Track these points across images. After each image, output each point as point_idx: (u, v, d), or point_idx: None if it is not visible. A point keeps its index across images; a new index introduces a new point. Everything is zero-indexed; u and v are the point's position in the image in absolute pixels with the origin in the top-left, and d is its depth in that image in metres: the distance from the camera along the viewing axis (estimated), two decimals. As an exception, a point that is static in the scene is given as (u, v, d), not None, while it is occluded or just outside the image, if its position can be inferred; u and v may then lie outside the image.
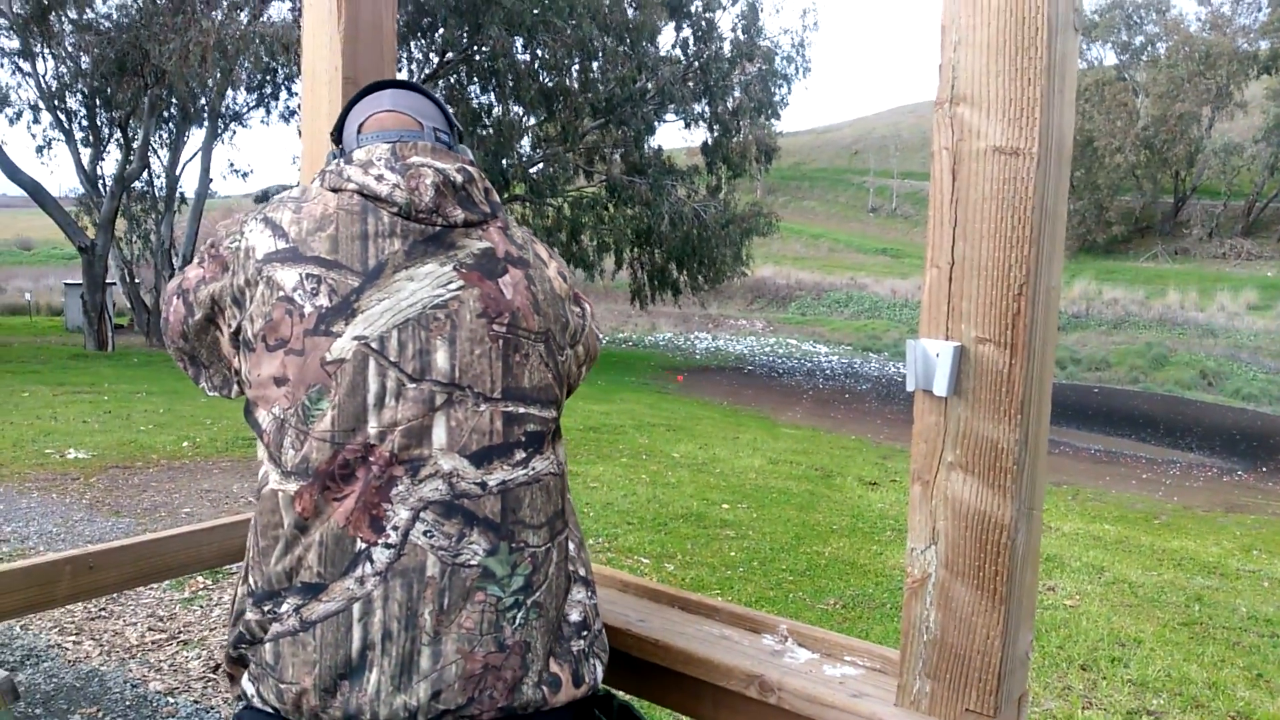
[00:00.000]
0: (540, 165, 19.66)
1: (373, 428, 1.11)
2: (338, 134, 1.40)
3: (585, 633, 1.23)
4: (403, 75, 19.07)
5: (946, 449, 1.23)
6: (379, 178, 1.21)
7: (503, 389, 1.18)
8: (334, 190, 1.22)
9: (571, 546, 1.26)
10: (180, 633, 3.66)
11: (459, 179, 1.24)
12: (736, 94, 19.75)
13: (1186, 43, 34.77)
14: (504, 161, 18.03)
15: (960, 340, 1.19)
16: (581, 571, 1.27)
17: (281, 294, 1.15)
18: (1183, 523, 8.32)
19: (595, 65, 18.46)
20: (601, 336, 1.47)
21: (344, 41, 1.85)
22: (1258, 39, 36.58)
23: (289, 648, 1.10)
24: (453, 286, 1.18)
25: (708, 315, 31.46)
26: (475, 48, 17.59)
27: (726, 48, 19.68)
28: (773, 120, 21.45)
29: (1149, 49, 38.06)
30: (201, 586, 4.17)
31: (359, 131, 1.33)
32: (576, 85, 18.65)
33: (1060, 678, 3.85)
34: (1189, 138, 33.51)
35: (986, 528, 1.20)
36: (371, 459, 1.11)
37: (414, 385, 1.13)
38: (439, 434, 1.13)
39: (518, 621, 1.13)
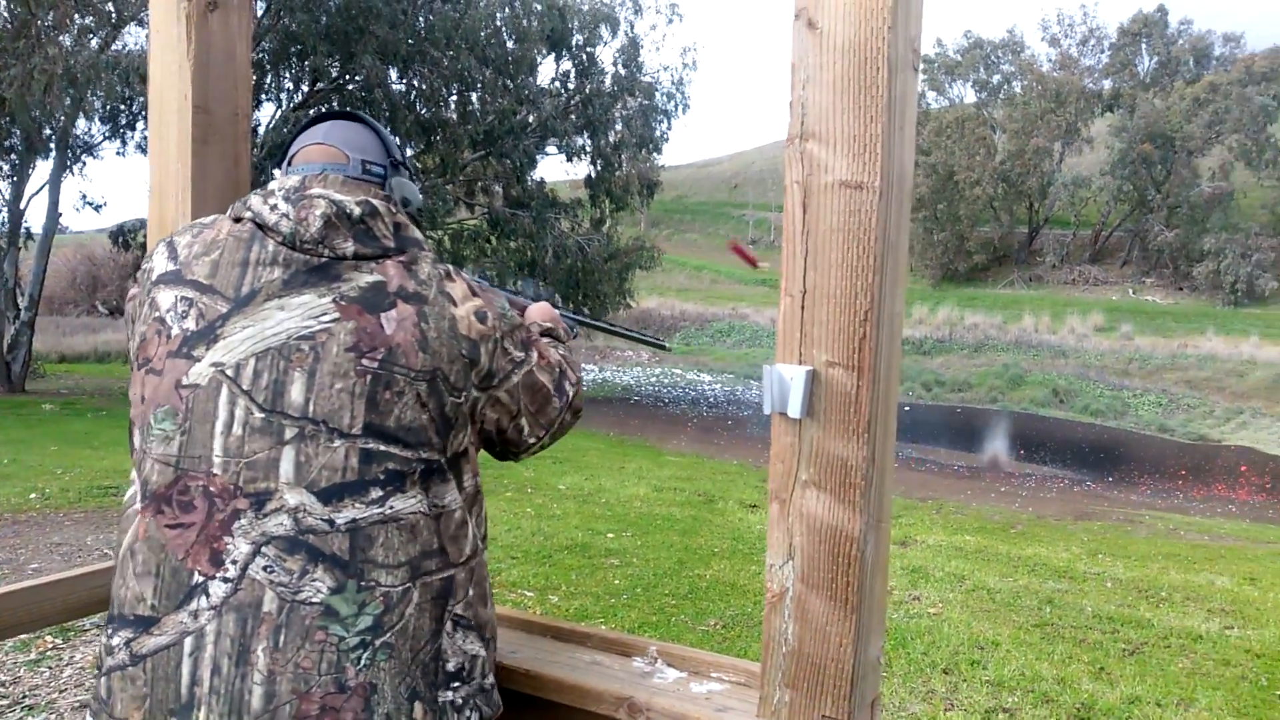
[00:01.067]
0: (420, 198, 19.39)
1: (217, 456, 1.10)
2: (280, 164, 1.41)
3: (461, 684, 1.19)
4: (268, 106, 18.60)
5: (801, 468, 1.28)
6: (273, 207, 1.20)
7: (364, 425, 1.12)
8: (235, 219, 1.22)
9: (459, 592, 1.20)
10: (25, 697, 3.43)
11: (356, 211, 1.21)
12: (618, 128, 20.00)
13: (1039, 81, 37.12)
14: (381, 193, 17.68)
15: (812, 364, 1.26)
16: (469, 618, 1.22)
17: (157, 314, 1.17)
18: (1037, 531, 8.78)
19: (474, 97, 18.41)
20: (567, 388, 1.42)
21: (194, 69, 1.81)
22: (1101, 79, 39.40)
23: (119, 682, 1.09)
24: (325, 318, 1.15)
25: (594, 347, 31.54)
26: (347, 77, 17.31)
27: (608, 82, 19.93)
28: (654, 154, 21.81)
29: (1005, 87, 40.46)
30: (50, 646, 3.92)
31: (288, 164, 1.34)
32: (455, 116, 18.54)
33: (924, 682, 4.01)
34: (1042, 171, 35.68)
35: (838, 541, 1.26)
36: (213, 489, 1.09)
37: (263, 416, 1.11)
38: (286, 468, 1.10)
39: (363, 662, 1.08)
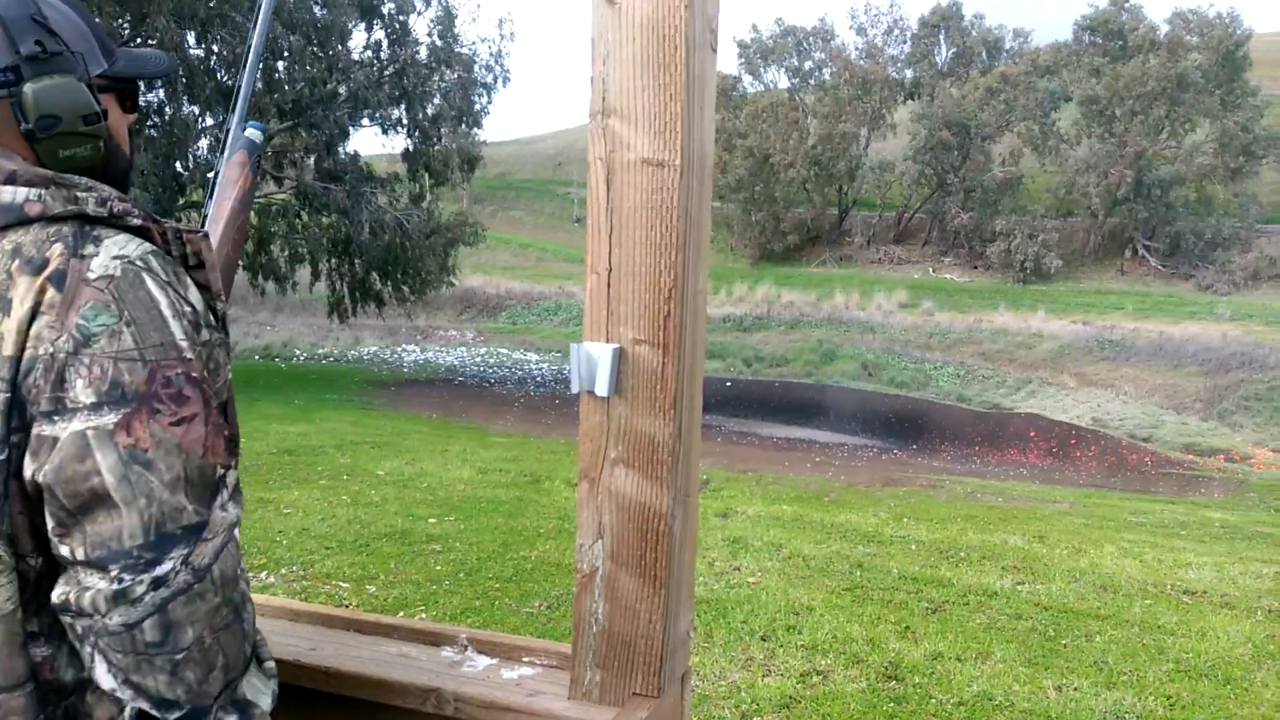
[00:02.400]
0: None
1: None
2: None
3: None
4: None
5: (610, 446, 1.28)
6: None
7: None
8: None
9: None
10: None
11: None
12: (436, 101, 19.49)
13: (847, 69, 38.87)
14: (178, 165, 16.59)
15: (619, 342, 1.25)
16: None
17: None
18: (848, 498, 9.26)
19: (281, 65, 17.48)
20: (155, 511, 0.90)
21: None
22: (904, 68, 41.72)
23: None
24: None
25: (416, 327, 30.76)
26: (140, 40, 16.05)
27: (424, 53, 19.37)
28: (475, 129, 21.41)
29: (816, 74, 42.17)
30: None
31: None
32: (261, 85, 17.55)
33: (744, 650, 4.15)
34: (850, 155, 37.45)
35: (647, 517, 1.27)
36: None
37: None
38: None
39: None
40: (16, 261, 0.91)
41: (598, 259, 1.26)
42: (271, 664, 1.06)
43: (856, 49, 41.78)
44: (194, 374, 0.94)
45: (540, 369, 25.64)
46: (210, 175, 1.42)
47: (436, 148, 19.95)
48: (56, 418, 0.88)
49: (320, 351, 27.51)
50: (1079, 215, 35.37)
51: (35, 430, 0.88)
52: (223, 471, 0.96)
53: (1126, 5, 35.97)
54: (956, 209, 36.24)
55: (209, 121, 17.97)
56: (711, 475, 10.24)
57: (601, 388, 1.25)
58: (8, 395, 0.88)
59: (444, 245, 20.51)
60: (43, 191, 0.94)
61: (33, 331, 0.89)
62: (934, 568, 5.86)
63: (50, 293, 0.90)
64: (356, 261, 19.85)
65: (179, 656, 0.89)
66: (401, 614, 4.49)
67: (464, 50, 20.11)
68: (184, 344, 0.94)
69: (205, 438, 0.93)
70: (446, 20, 19.51)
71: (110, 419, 0.88)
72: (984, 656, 4.22)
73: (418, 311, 26.25)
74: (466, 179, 22.18)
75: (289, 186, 19.51)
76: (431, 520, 6.51)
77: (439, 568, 5.34)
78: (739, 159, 37.20)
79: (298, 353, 27.07)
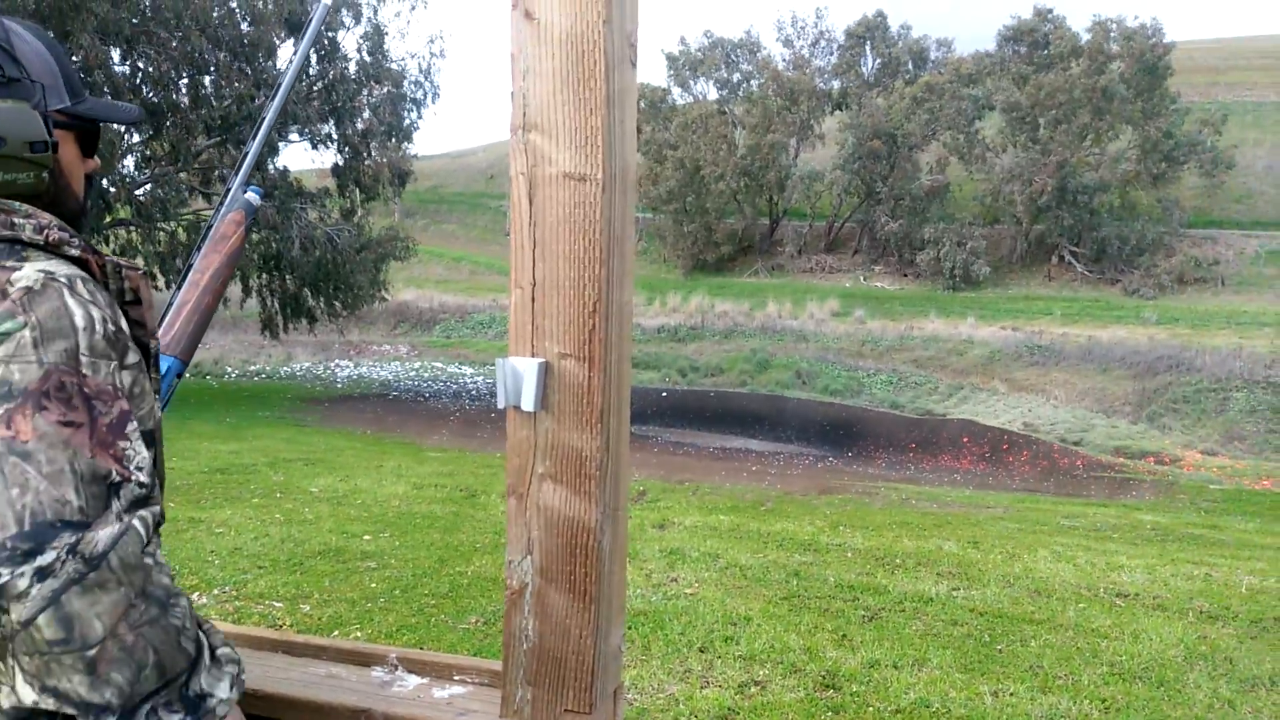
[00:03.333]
0: (148, 186, 17.85)
1: None
2: None
3: None
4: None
5: (537, 461, 1.27)
6: None
7: None
8: None
9: None
10: None
11: None
12: (366, 116, 19.28)
13: (775, 79, 39.40)
14: (104, 181, 16.15)
15: (545, 356, 1.25)
16: None
17: None
18: (785, 507, 9.35)
19: (208, 80, 17.13)
20: (31, 504, 0.86)
21: None
22: (831, 78, 42.45)
23: None
24: None
25: (349, 342, 30.31)
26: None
27: (352, 69, 19.16)
28: (405, 144, 21.22)
29: (745, 85, 42.69)
30: None
31: None
32: (187, 101, 17.18)
33: (681, 662, 4.15)
34: (779, 165, 37.93)
35: (576, 532, 1.27)
36: None
37: None
38: None
39: None
40: None
41: (522, 273, 1.26)
42: (227, 650, 1.01)
43: (784, 60, 42.44)
44: (88, 389, 0.92)
45: (475, 382, 25.43)
46: (205, 227, 1.48)
47: (367, 162, 19.73)
48: None
49: (252, 368, 26.94)
50: (1005, 222, 36.28)
51: None
52: (118, 479, 0.91)
53: (1050, 15, 37.09)
54: (886, 217, 36.93)
55: (135, 139, 17.54)
56: (648, 486, 10.26)
57: (528, 403, 1.25)
58: None
59: (375, 260, 20.30)
60: None
61: None
62: (870, 575, 5.92)
63: None
64: (288, 277, 19.52)
65: (91, 654, 0.84)
66: (336, 633, 4.41)
67: (393, 66, 19.95)
68: (84, 358, 0.92)
69: (91, 443, 0.90)
70: (375, 36, 19.35)
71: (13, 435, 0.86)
72: (920, 663, 4.28)
73: (350, 327, 25.90)
74: (397, 193, 21.96)
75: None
76: (366, 537, 6.41)
77: (374, 585, 5.25)
78: (670, 170, 37.44)
79: (229, 370, 26.48)
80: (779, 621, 4.78)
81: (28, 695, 0.85)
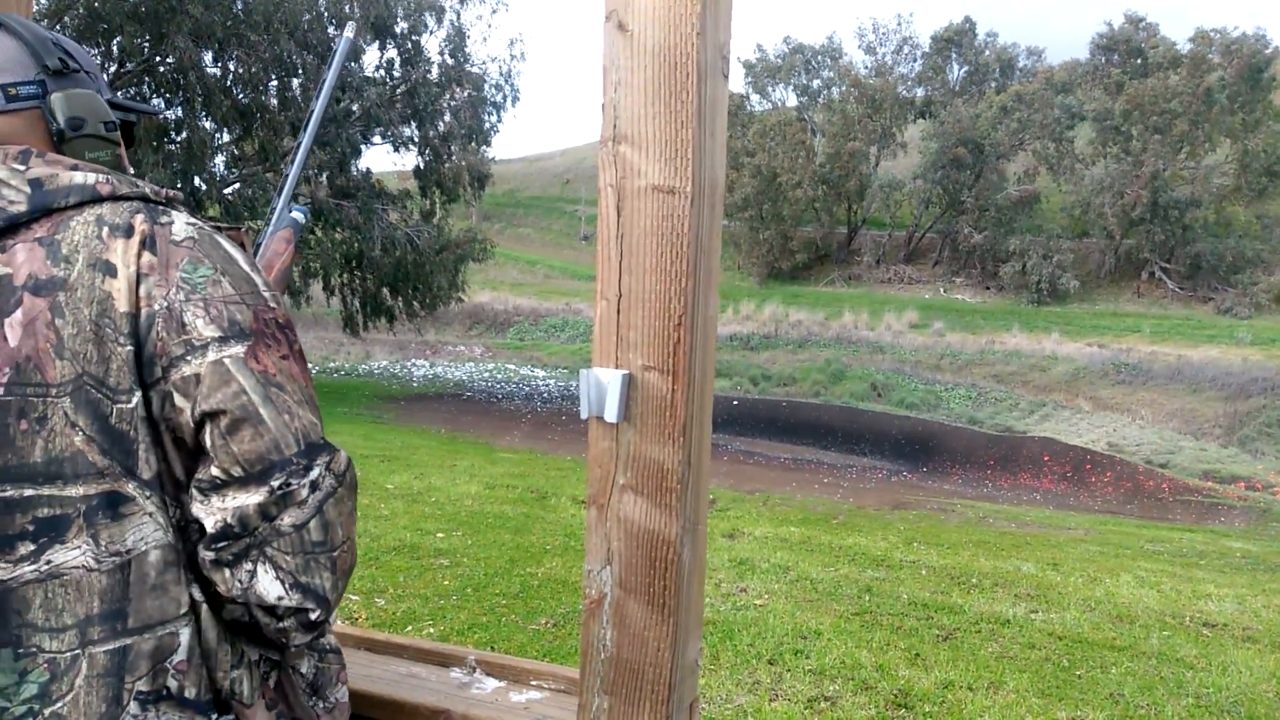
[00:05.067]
0: (237, 185, 18.48)
1: None
2: None
3: None
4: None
5: (618, 472, 1.28)
6: None
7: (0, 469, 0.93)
8: None
9: (140, 665, 0.97)
10: None
11: None
12: (447, 119, 19.66)
13: (856, 86, 38.92)
14: (195, 180, 16.78)
15: (629, 368, 1.25)
16: (176, 691, 0.99)
17: None
18: (857, 521, 9.22)
19: (295, 83, 17.66)
20: (290, 424, 0.99)
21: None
22: (914, 86, 41.77)
23: None
24: None
25: (425, 342, 30.88)
26: (159, 58, 16.27)
27: (435, 72, 19.57)
28: (484, 147, 21.58)
29: (825, 93, 42.29)
30: None
31: None
32: (275, 103, 17.73)
33: (750, 673, 4.12)
34: (859, 174, 37.45)
35: (656, 545, 1.26)
36: None
37: None
38: None
39: None
40: (105, 229, 0.98)
41: (608, 285, 1.26)
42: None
43: (865, 67, 41.87)
44: (281, 320, 1.04)
45: (547, 385, 25.67)
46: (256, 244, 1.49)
47: (447, 165, 20.09)
48: (190, 357, 0.96)
49: (331, 365, 27.62)
50: (1094, 236, 35.22)
51: (175, 376, 0.96)
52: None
53: (1143, 24, 35.95)
54: (969, 228, 36.18)
55: (225, 138, 18.14)
56: (718, 495, 10.22)
57: (610, 414, 1.25)
58: (132, 348, 0.95)
59: (454, 261, 20.65)
60: (109, 175, 1.02)
61: (142, 293, 0.96)
62: (945, 594, 5.81)
63: (146, 256, 0.97)
64: (368, 277, 20.00)
65: (336, 554, 1.00)
66: (410, 628, 4.49)
67: (475, 69, 20.30)
68: (266, 294, 1.04)
69: (302, 371, 1.05)
70: (458, 40, 19.71)
71: (239, 349, 0.98)
72: (996, 686, 4.17)
73: (427, 326, 26.38)
74: (477, 196, 22.31)
75: (303, 202, 19.66)
76: (439, 535, 6.52)
77: (447, 582, 5.33)
78: (746, 177, 37.27)
79: (310, 365, 27.18)
80: (850, 637, 4.72)
81: (273, 591, 0.97)
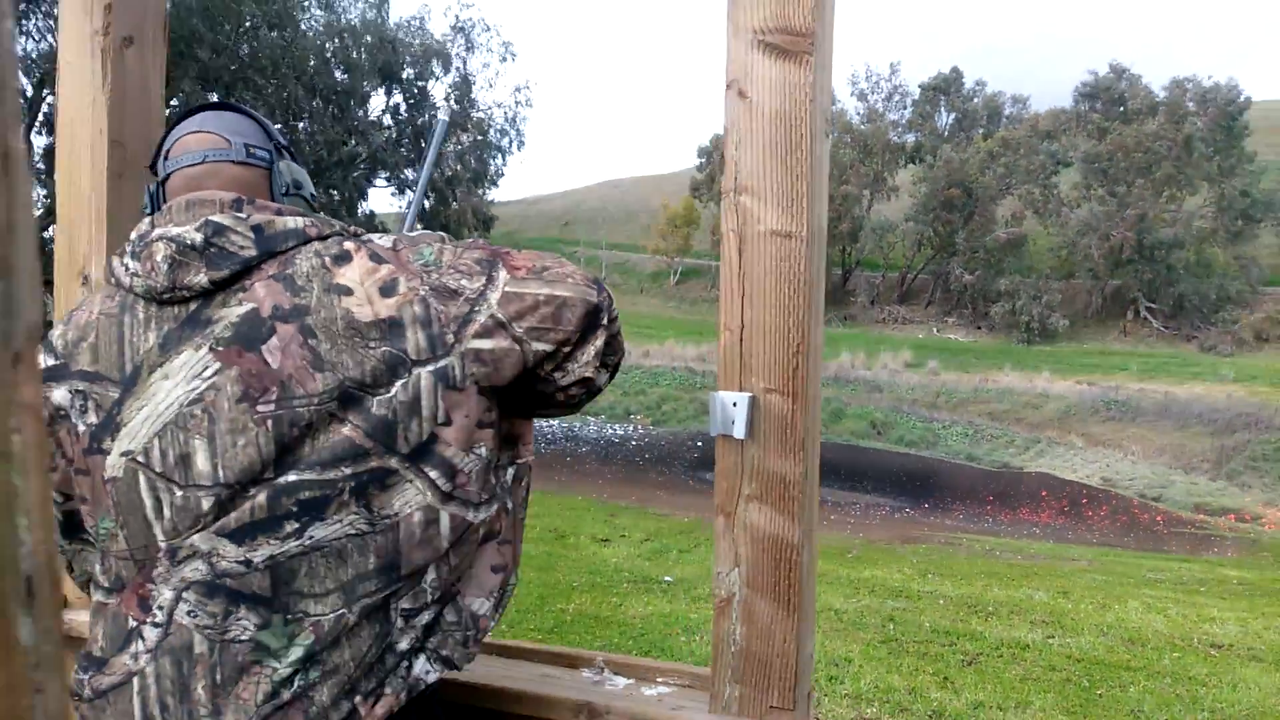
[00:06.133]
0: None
1: (161, 541, 1.10)
2: (151, 167, 1.34)
3: (415, 653, 1.16)
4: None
5: (744, 484, 1.44)
6: (126, 267, 1.14)
7: (274, 467, 1.08)
8: (107, 283, 1.19)
9: (405, 598, 1.13)
10: None
11: (198, 238, 1.10)
12: (452, 163, 19.98)
13: (848, 132, 39.62)
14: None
15: (752, 391, 1.42)
16: (432, 642, 1.17)
17: (61, 413, 1.15)
18: (871, 555, 9.33)
19: (302, 126, 17.98)
20: (572, 286, 1.19)
21: (110, 104, 1.81)
22: (904, 133, 42.53)
23: (89, 713, 1.14)
24: (208, 374, 1.09)
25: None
26: (166, 102, 16.58)
27: (440, 117, 19.93)
28: (488, 190, 21.90)
29: (819, 138, 42.95)
30: None
31: (165, 158, 1.26)
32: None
33: (793, 701, 4.22)
34: (853, 216, 37.99)
35: (780, 548, 1.42)
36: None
37: (181, 494, 1.08)
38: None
39: (297, 684, 1.08)
40: (326, 259, 1.13)
41: (731, 317, 1.43)
42: None
43: (858, 113, 42.65)
44: (483, 240, 1.28)
45: (550, 426, 25.74)
46: None
47: (451, 208, 20.38)
48: (477, 308, 1.13)
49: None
50: (1080, 276, 35.76)
51: (471, 330, 1.13)
52: None
53: (1126, 74, 36.78)
54: (960, 269, 36.63)
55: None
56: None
57: (739, 432, 1.42)
58: (387, 348, 1.09)
59: (458, 305, 20.81)
60: (312, 218, 1.18)
61: (399, 298, 1.11)
62: (964, 621, 5.94)
63: (381, 270, 1.12)
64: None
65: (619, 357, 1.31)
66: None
67: (480, 114, 20.68)
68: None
69: (533, 251, 1.27)
70: (464, 86, 20.09)
71: (502, 274, 1.16)
72: (1023, 706, 4.30)
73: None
74: (482, 237, 22.57)
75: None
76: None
77: (479, 621, 5.43)
78: (743, 220, 37.74)
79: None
80: (880, 664, 4.84)
81: (601, 379, 1.26)
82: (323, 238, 1.16)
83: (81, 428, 1.13)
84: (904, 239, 37.92)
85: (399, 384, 1.09)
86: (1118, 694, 4.57)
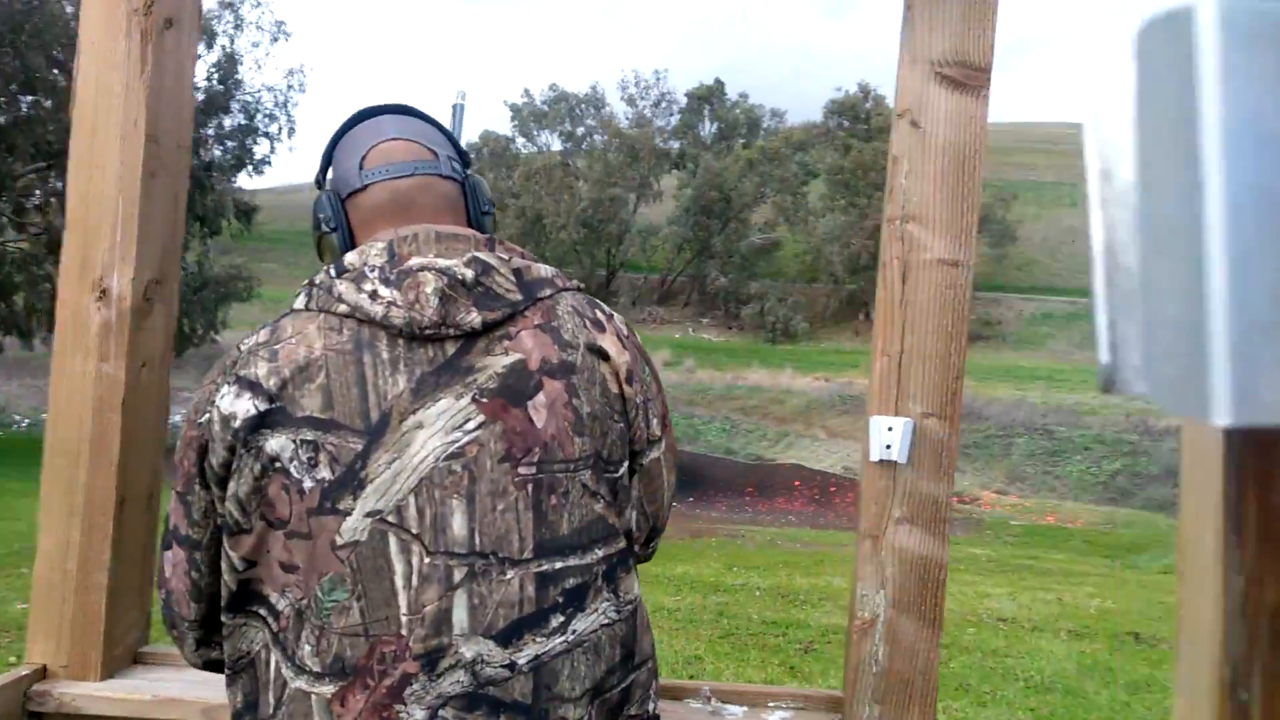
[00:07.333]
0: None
1: (404, 615, 0.95)
2: (323, 176, 1.17)
3: None
4: None
5: (894, 507, 1.47)
6: (374, 295, 0.99)
7: (534, 546, 0.98)
8: (322, 311, 1.01)
9: (635, 694, 1.08)
10: None
11: (469, 274, 1.00)
12: (213, 147, 18.42)
13: (617, 136, 40.55)
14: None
15: (909, 416, 1.45)
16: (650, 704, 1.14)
17: (277, 466, 0.97)
18: (672, 551, 9.49)
19: (37, 101, 15.92)
20: (672, 485, 1.22)
21: (148, 94, 1.56)
22: (670, 139, 44.06)
23: None
24: (470, 426, 0.98)
25: (180, 387, 28.24)
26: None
27: (199, 98, 18.31)
28: (255, 176, 20.37)
29: (588, 139, 43.67)
30: None
31: (361, 167, 1.11)
32: (6, 121, 15.86)
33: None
34: (619, 219, 38.93)
35: (928, 568, 1.46)
36: (396, 650, 0.96)
37: (429, 560, 0.96)
38: (460, 615, 0.96)
39: None
40: (584, 319, 1.09)
41: (890, 343, 1.46)
42: None
43: (626, 118, 43.71)
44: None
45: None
46: None
47: (210, 197, 18.78)
48: (649, 450, 1.13)
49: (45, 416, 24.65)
50: (823, 281, 38.60)
51: (638, 462, 1.13)
52: None
53: (872, 93, 40.14)
54: (716, 272, 38.48)
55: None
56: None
57: (900, 456, 1.44)
58: (624, 426, 1.09)
59: (214, 301, 19.20)
60: (557, 270, 1.12)
61: (633, 385, 1.10)
62: (785, 611, 6.22)
63: (627, 355, 1.10)
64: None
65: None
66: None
67: (246, 97, 19.22)
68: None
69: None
70: (229, 65, 18.59)
71: (665, 441, 1.16)
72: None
73: (180, 370, 24.21)
74: (245, 229, 20.89)
75: (34, 233, 17.58)
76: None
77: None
78: (511, 218, 37.70)
79: (18, 418, 24.14)
80: (728, 658, 4.99)
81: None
82: (567, 289, 1.11)
83: (309, 484, 0.96)
84: (666, 242, 39.32)
85: (622, 465, 1.09)
86: (944, 670, 4.98)
